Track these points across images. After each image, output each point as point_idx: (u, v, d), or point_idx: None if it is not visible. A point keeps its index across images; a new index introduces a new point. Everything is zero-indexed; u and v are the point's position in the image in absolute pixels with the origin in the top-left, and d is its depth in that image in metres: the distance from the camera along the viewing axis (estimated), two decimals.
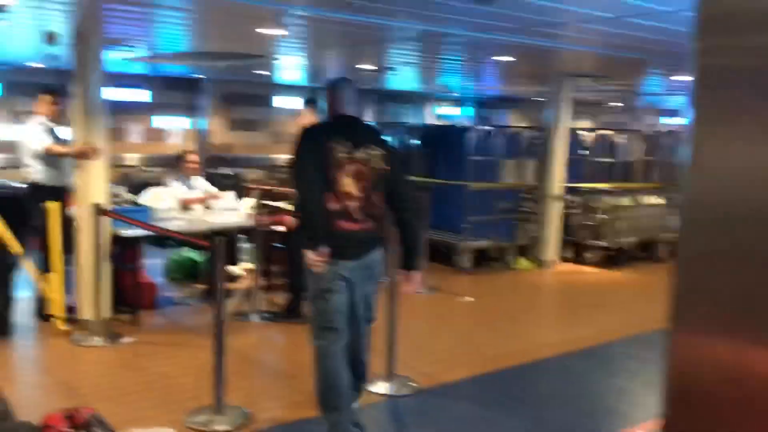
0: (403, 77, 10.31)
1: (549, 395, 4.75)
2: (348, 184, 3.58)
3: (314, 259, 3.49)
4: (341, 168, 3.56)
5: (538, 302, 7.59)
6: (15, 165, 6.35)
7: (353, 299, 3.68)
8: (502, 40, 5.78)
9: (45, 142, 5.75)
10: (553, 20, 4.70)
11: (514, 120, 16.17)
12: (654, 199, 9.79)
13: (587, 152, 9.42)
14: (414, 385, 4.68)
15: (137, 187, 8.54)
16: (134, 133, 11.31)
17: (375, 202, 3.67)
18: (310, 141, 3.61)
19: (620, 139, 9.22)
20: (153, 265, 7.17)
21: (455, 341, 5.85)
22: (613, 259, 9.19)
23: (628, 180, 9.33)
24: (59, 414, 3.55)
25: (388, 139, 9.94)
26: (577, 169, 9.53)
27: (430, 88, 12.71)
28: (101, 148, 5.59)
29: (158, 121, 11.58)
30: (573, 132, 9.48)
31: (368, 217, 3.65)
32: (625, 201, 9.28)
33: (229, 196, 7.31)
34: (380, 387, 4.56)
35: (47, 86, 6.13)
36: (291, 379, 4.86)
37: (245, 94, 12.37)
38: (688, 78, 1.59)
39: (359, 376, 3.91)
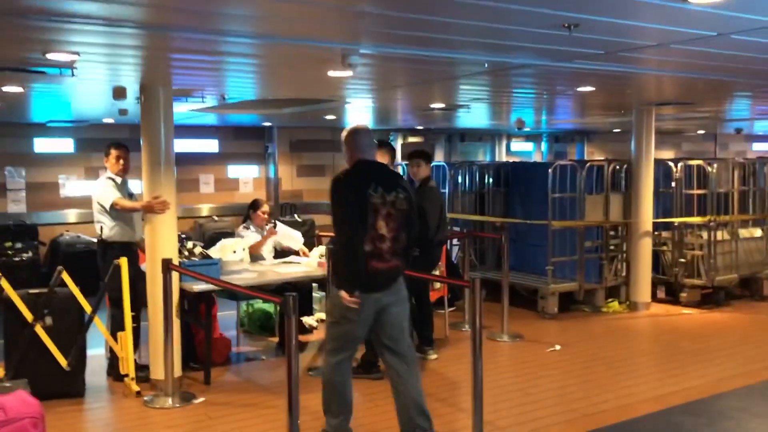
0: (475, 114, 9.98)
1: None
2: (381, 227, 3.94)
3: (349, 300, 3.90)
4: (377, 213, 3.93)
5: (634, 349, 6.96)
6: (89, 220, 6.32)
7: (383, 323, 4.06)
8: (582, 69, 5.39)
9: (112, 197, 5.67)
10: (643, 43, 4.30)
11: (590, 153, 15.59)
12: (754, 232, 9.07)
13: (676, 184, 8.80)
14: None
15: (210, 237, 8.47)
16: (204, 183, 11.35)
17: (401, 240, 4.05)
18: (349, 189, 3.96)
19: (712, 168, 8.56)
20: (226, 317, 7.00)
21: (545, 396, 5.39)
22: (710, 298, 8.50)
23: (723, 212, 8.63)
24: None
25: (459, 179, 9.67)
26: (666, 202, 8.94)
27: (503, 124, 12.34)
28: (169, 201, 5.47)
29: (228, 170, 11.62)
30: (659, 163, 8.92)
31: (396, 256, 4.03)
32: (722, 235, 8.60)
33: (282, 227, 7.16)
34: None
35: (114, 141, 6.09)
36: None
37: (312, 140, 12.30)
38: None
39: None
